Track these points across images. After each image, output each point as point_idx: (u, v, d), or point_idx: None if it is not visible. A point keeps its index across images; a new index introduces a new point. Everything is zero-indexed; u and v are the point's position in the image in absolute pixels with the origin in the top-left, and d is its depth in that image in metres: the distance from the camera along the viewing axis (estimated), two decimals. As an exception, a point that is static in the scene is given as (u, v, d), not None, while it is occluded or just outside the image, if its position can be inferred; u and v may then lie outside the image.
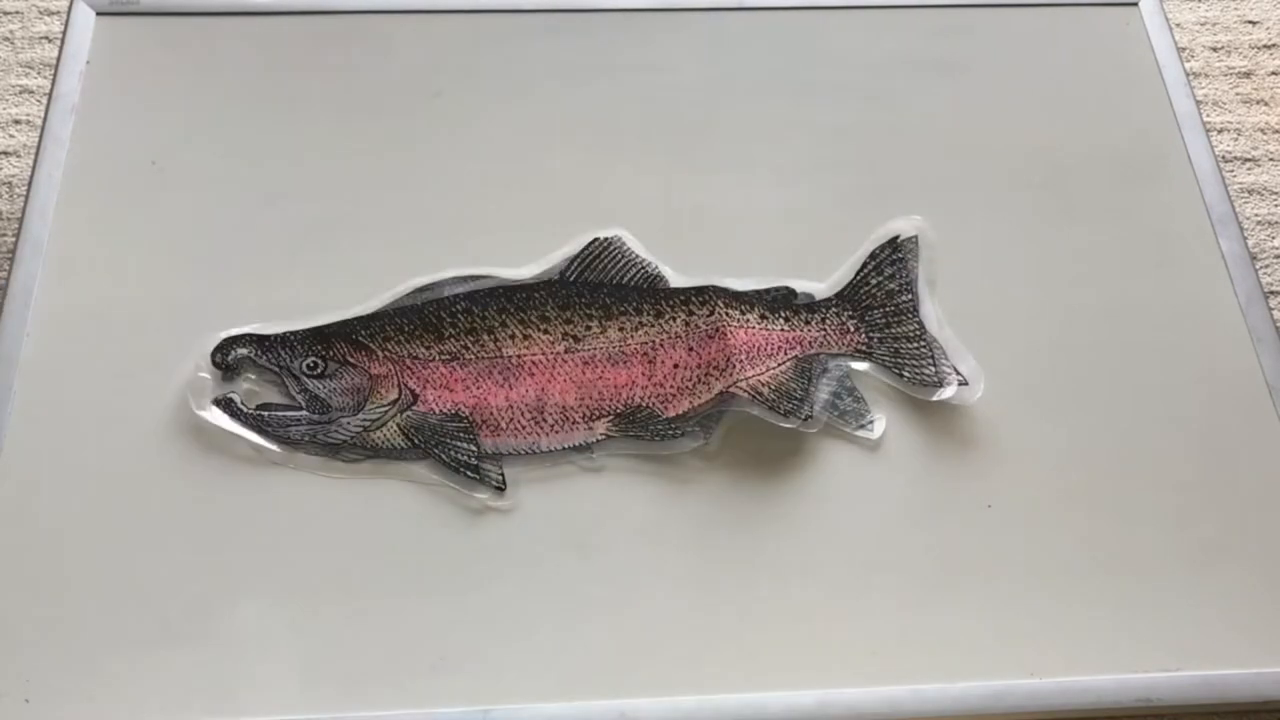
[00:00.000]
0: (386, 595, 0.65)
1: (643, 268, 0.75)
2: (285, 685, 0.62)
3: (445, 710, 0.62)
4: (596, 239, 0.75)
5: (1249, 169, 1.13)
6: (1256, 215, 1.10)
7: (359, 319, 0.72)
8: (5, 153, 1.07)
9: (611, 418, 0.71)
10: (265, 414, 0.69)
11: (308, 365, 0.70)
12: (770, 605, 0.66)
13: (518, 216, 0.78)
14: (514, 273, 0.75)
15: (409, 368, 0.71)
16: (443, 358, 0.71)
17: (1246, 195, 1.11)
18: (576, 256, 0.75)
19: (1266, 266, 1.07)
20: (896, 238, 0.77)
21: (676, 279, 0.75)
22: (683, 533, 0.68)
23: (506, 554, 0.66)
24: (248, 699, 0.62)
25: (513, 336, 0.72)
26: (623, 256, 0.75)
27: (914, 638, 0.65)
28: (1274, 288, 1.06)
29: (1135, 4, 0.92)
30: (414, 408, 0.70)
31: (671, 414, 0.71)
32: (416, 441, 0.69)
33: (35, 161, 0.78)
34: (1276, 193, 1.11)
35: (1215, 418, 0.74)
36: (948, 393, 0.72)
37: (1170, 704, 0.65)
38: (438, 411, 0.70)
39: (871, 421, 0.72)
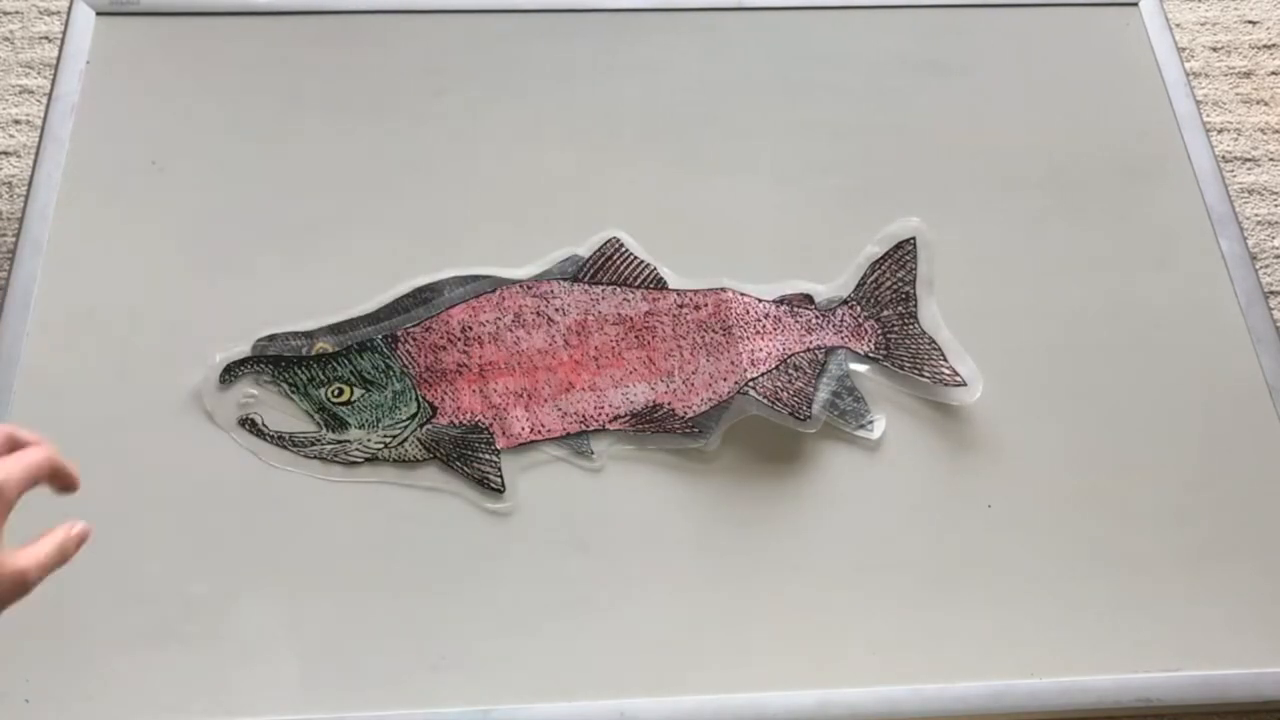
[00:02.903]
0: (387, 595, 0.65)
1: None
2: (285, 685, 0.62)
3: (445, 710, 0.62)
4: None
5: (1249, 169, 1.13)
6: (1256, 215, 1.10)
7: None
8: (5, 153, 1.07)
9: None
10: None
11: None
12: (770, 605, 0.66)
13: (518, 216, 0.78)
14: (514, 273, 0.75)
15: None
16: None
17: (1246, 195, 1.11)
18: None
19: (1266, 266, 1.07)
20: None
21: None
22: (683, 533, 0.68)
23: (506, 554, 0.67)
24: (248, 699, 0.62)
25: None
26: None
27: (914, 638, 0.66)
28: (1274, 288, 1.06)
29: (1135, 4, 0.92)
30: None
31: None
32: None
33: (35, 161, 0.78)
34: (1276, 193, 1.11)
35: (1215, 418, 0.74)
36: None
37: (1170, 704, 0.65)
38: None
39: (871, 421, 0.72)
